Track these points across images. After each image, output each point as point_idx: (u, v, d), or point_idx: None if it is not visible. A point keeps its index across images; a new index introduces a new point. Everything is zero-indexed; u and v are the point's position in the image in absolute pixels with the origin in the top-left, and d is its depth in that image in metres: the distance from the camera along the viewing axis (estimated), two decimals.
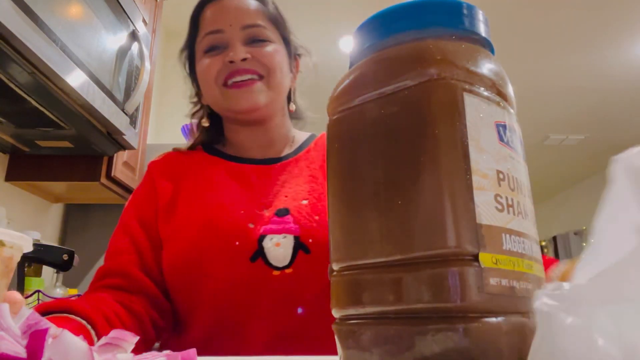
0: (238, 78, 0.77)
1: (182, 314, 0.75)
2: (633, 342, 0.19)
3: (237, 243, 0.70)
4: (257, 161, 0.85)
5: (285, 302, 0.70)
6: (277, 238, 0.71)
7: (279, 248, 0.70)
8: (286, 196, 0.77)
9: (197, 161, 0.86)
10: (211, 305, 0.72)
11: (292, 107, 0.89)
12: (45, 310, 0.57)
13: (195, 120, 0.92)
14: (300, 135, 0.91)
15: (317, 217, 0.74)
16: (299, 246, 0.70)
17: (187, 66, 0.89)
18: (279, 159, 0.85)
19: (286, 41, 0.84)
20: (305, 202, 0.76)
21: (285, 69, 0.82)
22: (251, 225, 0.72)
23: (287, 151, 0.87)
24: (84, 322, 0.57)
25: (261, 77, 0.79)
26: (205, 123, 0.89)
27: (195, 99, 0.91)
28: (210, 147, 0.90)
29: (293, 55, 0.87)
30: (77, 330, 0.56)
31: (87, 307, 0.60)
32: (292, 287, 0.70)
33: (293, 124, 0.92)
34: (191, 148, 0.90)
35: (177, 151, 0.89)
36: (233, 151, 0.87)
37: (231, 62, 0.77)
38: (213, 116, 0.89)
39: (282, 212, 0.73)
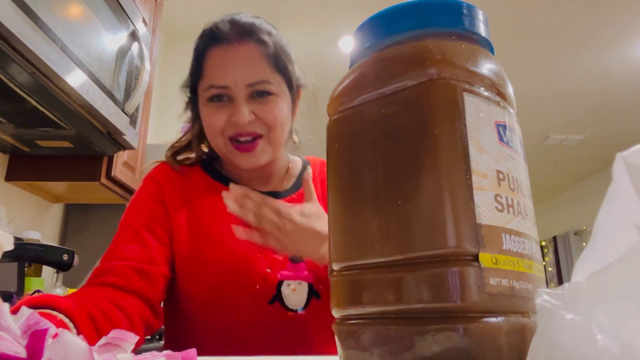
0: (242, 139, 0.81)
1: (193, 338, 0.81)
2: (630, 338, 0.19)
3: (257, 287, 0.79)
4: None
5: (298, 339, 0.79)
6: (293, 284, 0.80)
7: (295, 294, 0.80)
8: None
9: (202, 184, 0.88)
10: (226, 340, 0.79)
11: (295, 139, 0.93)
12: (29, 305, 0.57)
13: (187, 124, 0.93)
14: (294, 164, 0.95)
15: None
16: (312, 293, 0.81)
17: (189, 99, 0.90)
18: (279, 195, 0.88)
19: (289, 81, 0.85)
20: None
21: (286, 120, 0.85)
22: (269, 270, 0.80)
23: (286, 184, 0.91)
24: (66, 319, 0.58)
25: (263, 135, 0.82)
26: (205, 148, 0.91)
27: (190, 122, 0.91)
28: (209, 165, 0.91)
29: (295, 90, 0.88)
30: (58, 327, 0.56)
31: (71, 304, 0.60)
32: (304, 327, 0.80)
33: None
34: (190, 164, 0.91)
35: (173, 166, 0.89)
36: (234, 178, 0.90)
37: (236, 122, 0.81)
38: None
39: (296, 259, 0.82)
